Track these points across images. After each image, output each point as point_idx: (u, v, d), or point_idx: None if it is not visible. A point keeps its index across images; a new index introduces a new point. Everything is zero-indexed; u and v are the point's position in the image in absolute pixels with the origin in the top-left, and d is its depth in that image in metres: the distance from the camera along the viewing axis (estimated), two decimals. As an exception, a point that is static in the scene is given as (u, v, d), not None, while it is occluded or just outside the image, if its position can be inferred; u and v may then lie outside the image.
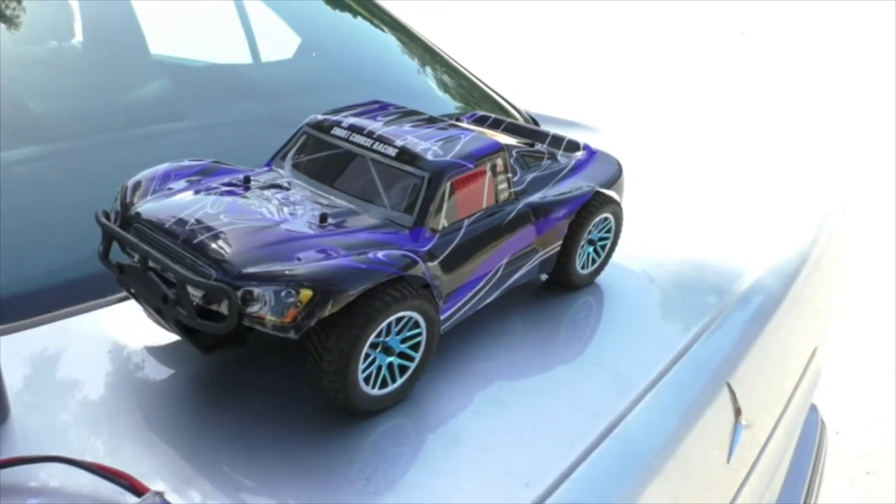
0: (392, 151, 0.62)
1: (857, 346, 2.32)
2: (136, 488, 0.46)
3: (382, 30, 1.53)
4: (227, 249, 0.52)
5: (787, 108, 5.08)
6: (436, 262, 0.58)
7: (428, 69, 1.47)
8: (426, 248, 0.58)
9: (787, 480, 1.07)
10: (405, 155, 0.61)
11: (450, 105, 1.37)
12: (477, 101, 1.37)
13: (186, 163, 0.65)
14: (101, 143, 0.97)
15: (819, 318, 1.01)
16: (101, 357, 0.60)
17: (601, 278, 0.79)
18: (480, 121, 0.87)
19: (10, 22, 1.08)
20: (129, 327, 0.64)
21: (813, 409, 1.33)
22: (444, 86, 1.46)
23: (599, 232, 0.75)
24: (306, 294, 0.49)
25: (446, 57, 1.48)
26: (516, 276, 0.68)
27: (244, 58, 1.51)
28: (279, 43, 1.54)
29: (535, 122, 1.31)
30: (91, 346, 0.61)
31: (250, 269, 0.51)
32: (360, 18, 1.54)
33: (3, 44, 1.03)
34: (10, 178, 0.83)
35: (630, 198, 0.83)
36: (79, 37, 1.23)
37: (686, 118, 4.71)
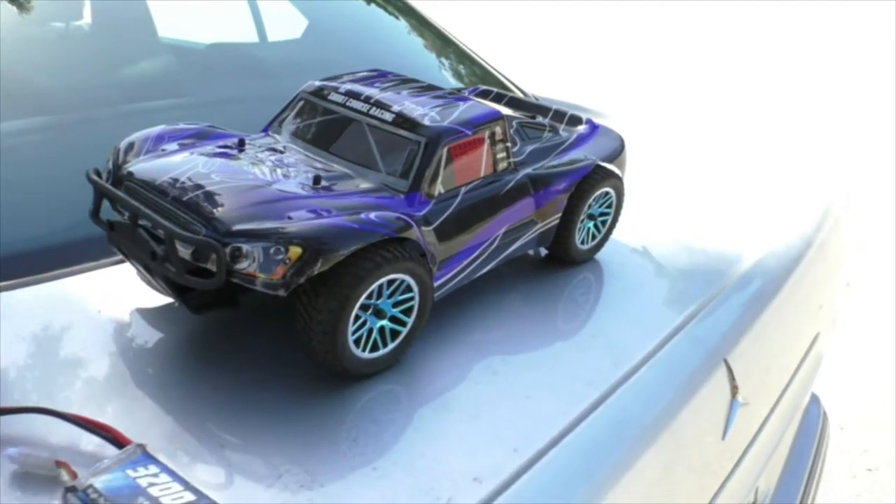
0: (389, 116, 0.61)
1: (861, 342, 2.30)
2: (118, 440, 0.45)
3: (390, 11, 1.53)
4: (218, 207, 0.51)
5: (793, 100, 5.04)
6: (430, 228, 0.58)
7: (436, 51, 1.46)
8: (421, 214, 0.57)
9: (786, 469, 1.06)
10: (402, 120, 0.60)
11: (456, 84, 1.36)
12: (484, 82, 1.36)
13: (182, 126, 0.64)
14: (102, 115, 0.97)
15: (822, 304, 0.99)
16: (92, 317, 0.60)
17: (601, 255, 0.78)
18: (483, 94, 0.86)
19: (19, 2, 1.08)
20: (121, 289, 0.63)
21: (815, 401, 1.31)
22: (451, 68, 1.45)
23: (600, 207, 0.74)
24: (295, 251, 0.48)
25: (455, 39, 1.47)
26: (514, 246, 0.67)
27: (252, 39, 1.50)
28: (287, 25, 1.53)
29: (541, 105, 1.30)
30: (82, 307, 0.61)
31: (240, 227, 0.50)
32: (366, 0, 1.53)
33: (12, 24, 1.03)
34: (12, 145, 0.83)
35: (636, 177, 0.82)
36: (87, 18, 1.23)
37: (693, 108, 4.68)
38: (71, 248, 0.67)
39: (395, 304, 0.55)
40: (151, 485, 0.42)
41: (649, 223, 0.87)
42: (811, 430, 1.22)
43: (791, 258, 0.86)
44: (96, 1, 1.24)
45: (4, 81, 0.92)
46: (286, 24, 1.55)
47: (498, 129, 0.64)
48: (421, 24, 1.48)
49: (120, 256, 0.60)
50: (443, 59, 1.46)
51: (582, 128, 0.79)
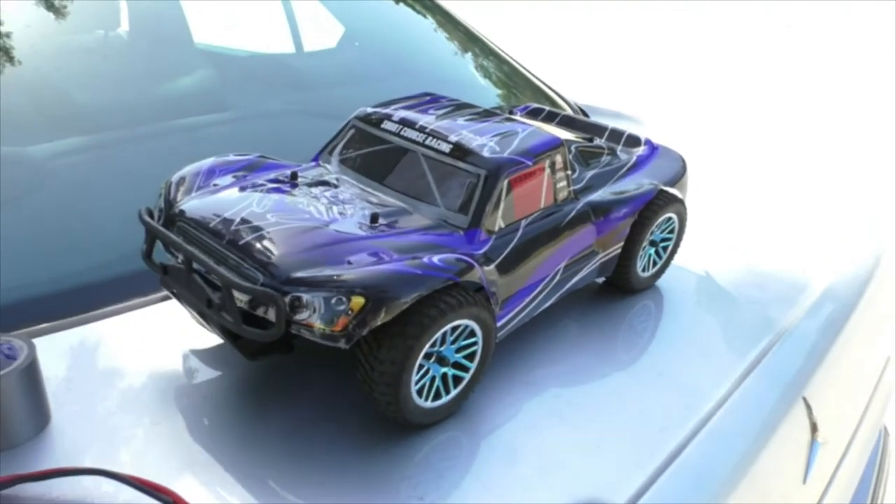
0: (446, 147, 0.58)
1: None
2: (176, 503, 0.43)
3: (426, 18, 1.50)
4: (275, 252, 0.49)
5: (835, 103, 4.90)
6: (492, 266, 0.55)
7: (473, 58, 1.43)
8: (482, 251, 0.55)
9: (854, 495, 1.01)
10: (460, 151, 0.58)
11: (496, 94, 1.33)
12: (523, 90, 1.33)
13: (232, 157, 0.62)
14: (144, 133, 0.96)
15: (890, 328, 0.95)
16: (145, 359, 0.58)
17: (661, 281, 0.74)
18: (534, 113, 0.83)
19: (58, 11, 1.07)
20: (173, 328, 0.61)
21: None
22: (489, 75, 1.42)
23: (662, 232, 0.71)
24: (358, 301, 0.46)
25: (492, 45, 1.44)
26: (575, 279, 0.64)
27: (287, 47, 1.49)
28: (323, 33, 1.52)
29: (585, 114, 1.26)
30: (133, 348, 0.59)
31: (299, 274, 0.48)
32: (403, 6, 1.50)
33: (51, 33, 1.03)
34: (53, 169, 0.82)
35: (693, 198, 0.78)
36: (125, 26, 1.22)
37: (732, 112, 4.58)
38: (120, 284, 0.65)
39: (458, 350, 0.52)
40: (215, 555, 0.40)
41: (709, 246, 0.83)
42: (874, 450, 1.16)
43: (861, 280, 0.82)
44: (134, 8, 1.24)
45: (45, 99, 0.91)
46: (321, 30, 1.53)
47: (559, 158, 0.61)
48: (457, 30, 1.45)
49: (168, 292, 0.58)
50: (479, 66, 1.43)
51: (641, 149, 0.75)
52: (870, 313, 0.82)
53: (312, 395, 0.55)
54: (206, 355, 0.59)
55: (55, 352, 0.57)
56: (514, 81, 1.38)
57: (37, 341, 0.52)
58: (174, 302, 0.63)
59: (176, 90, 1.11)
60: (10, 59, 0.92)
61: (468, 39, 1.44)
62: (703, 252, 0.81)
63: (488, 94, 1.31)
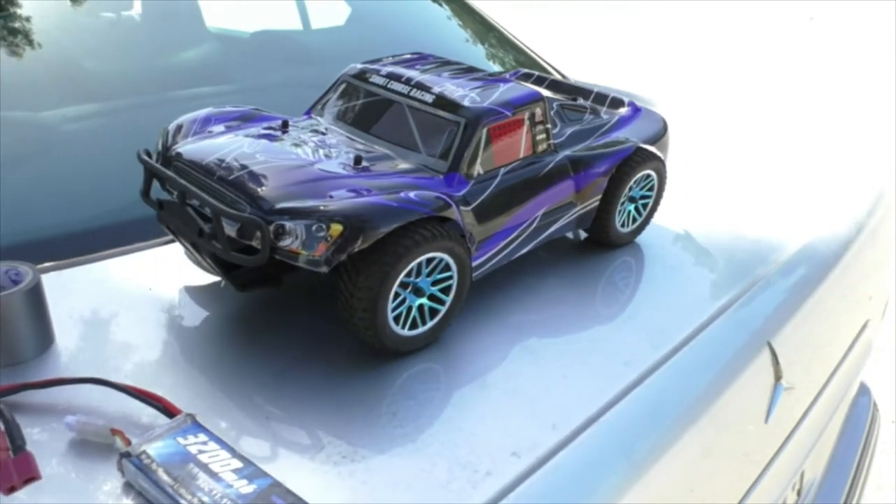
0: (429, 98, 0.61)
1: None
2: (169, 410, 0.47)
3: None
4: (262, 186, 0.53)
5: (853, 90, 4.88)
6: (469, 208, 0.58)
7: (480, 38, 1.46)
8: (460, 194, 0.58)
9: (834, 458, 1.04)
10: (442, 101, 0.61)
11: (502, 71, 1.35)
12: (527, 68, 1.35)
13: (227, 108, 0.66)
14: (152, 101, 1.00)
15: (872, 292, 0.97)
16: (143, 294, 0.62)
17: (642, 238, 0.77)
18: (524, 77, 0.86)
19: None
20: (171, 268, 0.65)
21: (866, 392, 1.28)
22: (495, 55, 1.45)
23: (641, 189, 0.74)
24: (336, 229, 0.49)
25: (498, 26, 1.47)
26: (552, 228, 0.67)
27: (295, 26, 1.52)
28: (331, 14, 1.55)
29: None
30: (134, 284, 0.63)
31: (283, 205, 0.51)
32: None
33: (65, 13, 1.07)
34: (67, 131, 0.86)
35: (681, 161, 0.81)
36: (137, 8, 1.26)
37: (750, 98, 4.58)
38: (123, 229, 0.69)
39: (434, 283, 0.56)
40: (201, 452, 0.44)
41: (693, 207, 0.86)
42: (861, 421, 1.19)
43: (840, 244, 0.84)
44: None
45: (62, 69, 0.96)
46: (329, 13, 1.56)
47: (538, 111, 0.64)
48: (463, 10, 1.48)
49: (169, 237, 0.62)
50: (486, 45, 1.45)
51: (624, 110, 0.78)
52: (848, 277, 0.84)
53: (299, 329, 0.59)
54: (201, 292, 0.63)
55: (61, 286, 0.61)
56: (518, 60, 1.41)
57: (44, 276, 0.56)
58: (172, 246, 0.67)
59: (185, 66, 1.14)
60: (27, 36, 0.96)
61: (475, 20, 1.46)
62: (686, 211, 0.84)
63: (491, 69, 1.34)
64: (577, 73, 1.39)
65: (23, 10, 0.98)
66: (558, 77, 1.28)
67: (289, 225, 0.50)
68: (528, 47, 1.44)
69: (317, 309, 0.61)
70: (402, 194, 0.53)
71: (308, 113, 0.68)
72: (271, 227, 0.50)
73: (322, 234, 0.50)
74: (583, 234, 0.75)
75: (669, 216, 0.81)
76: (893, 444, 1.80)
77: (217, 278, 0.64)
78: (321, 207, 0.51)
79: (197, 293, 0.63)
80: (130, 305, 0.61)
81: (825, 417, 0.85)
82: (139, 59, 1.08)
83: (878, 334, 1.10)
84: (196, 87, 1.08)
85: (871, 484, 1.61)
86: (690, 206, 0.86)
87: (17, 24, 0.96)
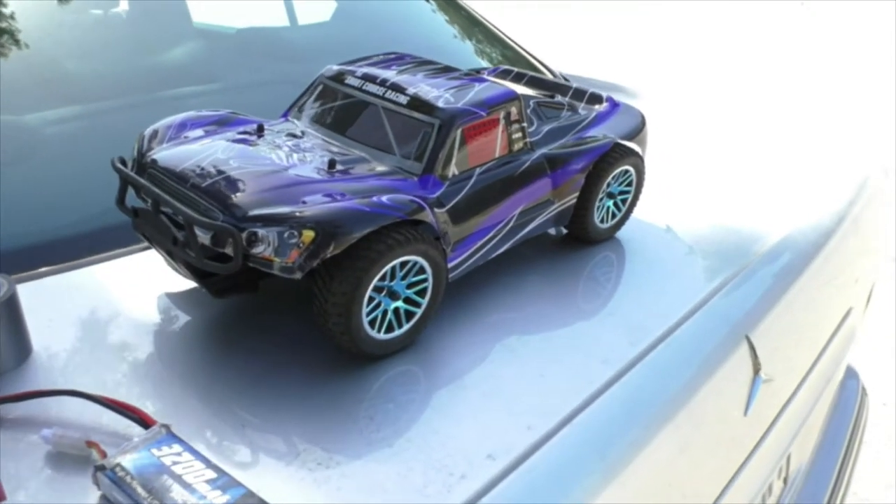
0: (403, 99, 0.61)
1: (908, 317, 2.24)
2: (144, 421, 0.47)
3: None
4: (235, 193, 0.53)
5: (843, 76, 4.88)
6: (444, 210, 0.58)
7: (466, 33, 1.46)
8: (434, 196, 0.58)
9: (823, 443, 1.05)
10: (416, 102, 0.61)
11: (485, 66, 1.35)
12: (514, 64, 1.35)
13: (204, 112, 0.66)
14: (133, 103, 0.99)
15: (857, 278, 0.97)
16: (120, 302, 0.62)
17: (622, 233, 0.77)
18: (503, 74, 0.86)
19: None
20: (149, 275, 0.65)
21: (854, 375, 1.29)
22: (482, 51, 1.44)
23: (619, 185, 0.74)
24: (308, 235, 0.49)
25: (485, 22, 1.47)
26: (530, 226, 0.67)
27: (283, 23, 1.51)
28: (318, 9, 1.54)
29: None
30: (111, 292, 0.63)
31: (256, 212, 0.51)
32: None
33: (51, 10, 1.06)
34: (48, 134, 0.86)
35: (661, 155, 0.81)
36: (124, 5, 1.25)
37: (738, 86, 4.57)
38: (100, 236, 0.69)
39: (410, 286, 0.56)
40: (175, 463, 0.44)
41: (673, 201, 0.86)
42: (849, 404, 1.20)
43: (821, 233, 0.84)
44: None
45: (43, 70, 0.95)
46: (317, 8, 1.55)
47: (513, 110, 0.64)
48: (449, 5, 1.47)
49: (146, 243, 0.62)
50: (472, 40, 1.45)
51: (602, 106, 0.78)
52: (828, 267, 0.85)
53: (276, 335, 0.59)
54: (177, 299, 0.63)
55: (38, 296, 0.61)
56: (505, 56, 1.40)
57: (20, 286, 0.56)
58: (149, 253, 0.67)
59: (171, 65, 1.14)
60: (12, 36, 0.95)
61: (461, 15, 1.46)
62: (666, 205, 0.84)
63: (477, 65, 1.33)
64: (591, 70, 1.39)
65: (5, 8, 0.98)
66: (539, 73, 1.28)
67: (261, 232, 0.50)
68: (514, 42, 1.43)
69: (294, 314, 0.61)
70: (374, 198, 0.53)
71: (285, 115, 0.68)
72: (244, 235, 0.50)
73: (294, 240, 0.50)
74: (563, 231, 0.75)
75: (649, 211, 0.82)
76: None
77: (194, 284, 0.64)
78: (295, 214, 0.51)
79: (174, 300, 0.63)
80: (109, 314, 0.61)
81: (808, 406, 0.86)
82: (123, 58, 1.07)
83: (861, 319, 1.10)
84: (181, 87, 1.08)
85: (882, 482, 1.62)
86: (670, 200, 0.86)
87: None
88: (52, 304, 0.61)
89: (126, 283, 0.65)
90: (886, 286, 2.39)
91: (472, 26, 1.45)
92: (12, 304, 0.53)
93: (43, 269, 0.65)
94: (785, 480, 0.92)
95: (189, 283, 0.64)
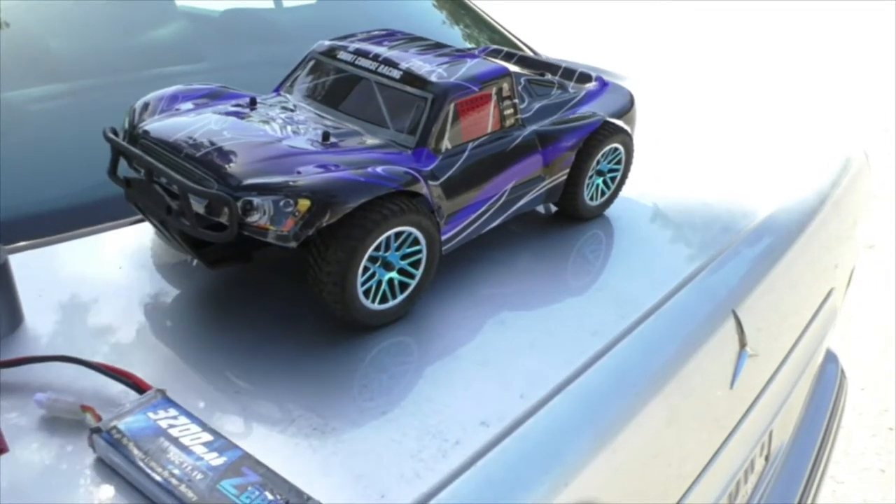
0: (396, 74, 0.62)
1: (885, 305, 2.28)
2: (139, 386, 0.47)
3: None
4: (230, 162, 0.53)
5: (825, 63, 4.93)
6: (437, 183, 0.59)
7: (454, 18, 1.46)
8: (428, 169, 0.58)
9: (802, 424, 1.07)
10: (409, 77, 0.61)
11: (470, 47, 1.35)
12: (501, 45, 1.35)
13: (195, 86, 0.65)
14: (121, 81, 0.99)
15: (837, 261, 0.99)
16: (113, 273, 0.62)
17: (611, 211, 0.78)
18: (493, 53, 0.86)
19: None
20: (141, 247, 0.65)
21: (833, 359, 1.31)
22: (469, 35, 1.44)
23: (609, 163, 0.74)
24: (304, 204, 0.50)
25: (472, 5, 1.47)
26: (521, 202, 0.68)
27: (267, 5, 1.50)
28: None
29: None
30: (103, 264, 0.63)
31: (251, 181, 0.51)
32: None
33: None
34: (34, 111, 0.85)
35: (649, 134, 0.81)
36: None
37: (721, 70, 4.60)
38: (92, 209, 0.69)
39: (404, 257, 0.56)
40: (171, 426, 0.44)
41: (661, 180, 0.87)
42: (828, 387, 1.22)
43: (804, 214, 0.86)
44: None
45: (28, 49, 0.94)
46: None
47: (505, 86, 0.65)
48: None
49: (138, 216, 0.62)
50: (460, 25, 1.45)
51: (591, 85, 0.79)
52: (812, 247, 0.86)
53: (271, 304, 0.59)
54: (172, 270, 0.63)
55: (30, 266, 0.61)
56: (493, 40, 1.41)
57: (12, 257, 0.56)
58: (142, 226, 0.67)
59: (155, 45, 1.13)
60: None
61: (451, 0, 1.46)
62: (655, 183, 0.85)
63: (464, 46, 1.33)
64: (581, 57, 1.40)
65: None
66: (527, 53, 1.28)
67: (256, 201, 0.50)
68: (502, 25, 1.43)
69: (288, 284, 0.61)
70: (369, 169, 0.53)
71: (277, 90, 0.68)
72: (239, 203, 0.51)
73: (290, 209, 0.50)
74: (553, 208, 0.76)
75: (638, 189, 0.82)
76: None
77: (187, 257, 0.64)
78: (289, 183, 0.51)
79: (167, 271, 0.63)
80: (100, 284, 0.60)
81: (791, 382, 0.87)
82: (107, 37, 1.06)
83: (842, 300, 1.12)
84: (165, 67, 1.07)
85: (843, 448, 1.65)
86: (659, 179, 0.87)
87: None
88: (44, 275, 0.61)
89: (118, 256, 0.64)
90: (863, 272, 2.43)
91: (460, 10, 1.45)
92: (4, 273, 0.53)
93: (35, 241, 0.64)
94: (767, 458, 0.93)
95: (181, 256, 0.64)
